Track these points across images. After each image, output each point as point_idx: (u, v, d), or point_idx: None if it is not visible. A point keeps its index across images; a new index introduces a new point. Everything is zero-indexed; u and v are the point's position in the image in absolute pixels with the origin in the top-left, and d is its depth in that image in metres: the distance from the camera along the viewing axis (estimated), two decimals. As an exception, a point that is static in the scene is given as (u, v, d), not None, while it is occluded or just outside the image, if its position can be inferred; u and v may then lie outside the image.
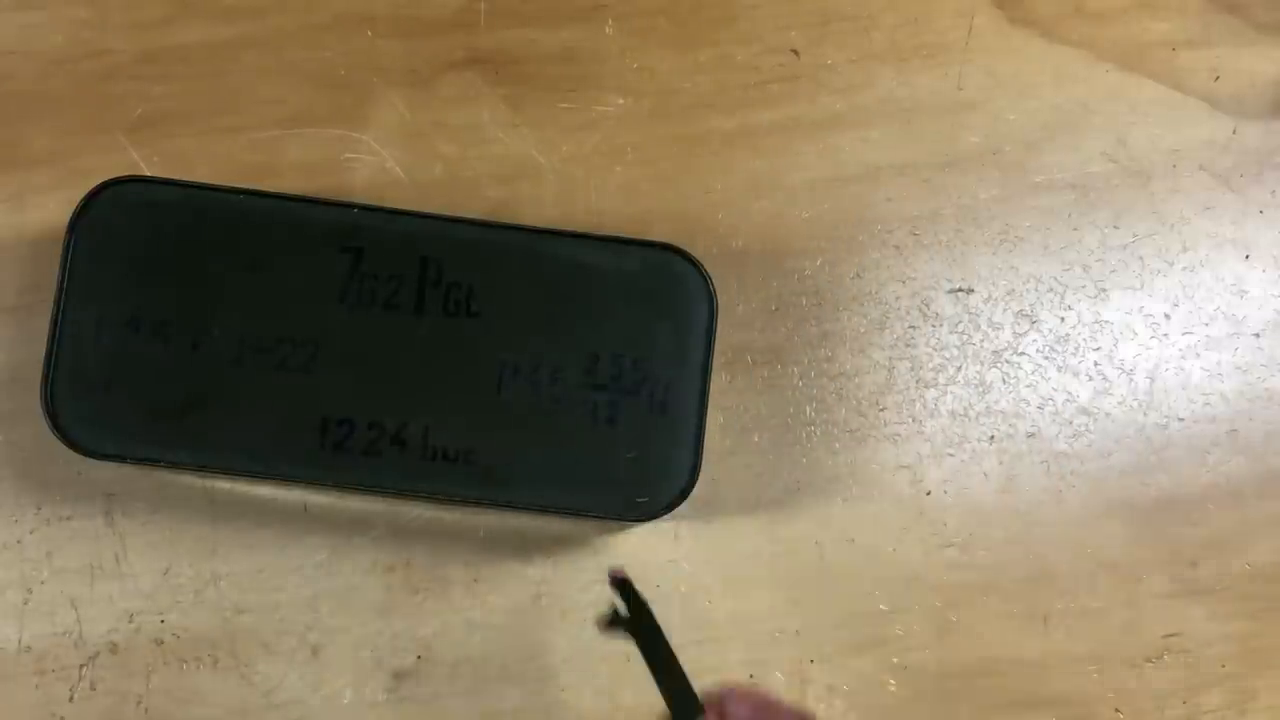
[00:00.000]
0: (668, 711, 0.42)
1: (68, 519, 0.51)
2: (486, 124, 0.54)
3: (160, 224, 0.49)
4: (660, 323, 0.49)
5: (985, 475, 0.53)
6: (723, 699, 0.42)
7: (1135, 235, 0.55)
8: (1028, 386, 0.54)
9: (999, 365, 0.54)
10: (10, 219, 0.53)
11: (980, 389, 0.54)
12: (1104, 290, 0.55)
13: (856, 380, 0.54)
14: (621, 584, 0.46)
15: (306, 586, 0.52)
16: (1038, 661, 0.53)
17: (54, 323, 0.48)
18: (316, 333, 0.48)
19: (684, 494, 0.49)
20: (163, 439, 0.48)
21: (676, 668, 0.43)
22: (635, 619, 0.45)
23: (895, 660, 0.52)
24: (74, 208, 0.48)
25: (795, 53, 0.55)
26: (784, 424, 0.53)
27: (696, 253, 0.50)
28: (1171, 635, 0.53)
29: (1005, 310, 0.54)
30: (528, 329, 0.49)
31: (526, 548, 0.52)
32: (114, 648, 0.51)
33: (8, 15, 0.54)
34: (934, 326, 0.54)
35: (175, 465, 0.49)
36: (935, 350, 0.54)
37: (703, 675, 0.51)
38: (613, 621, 0.45)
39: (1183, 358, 0.55)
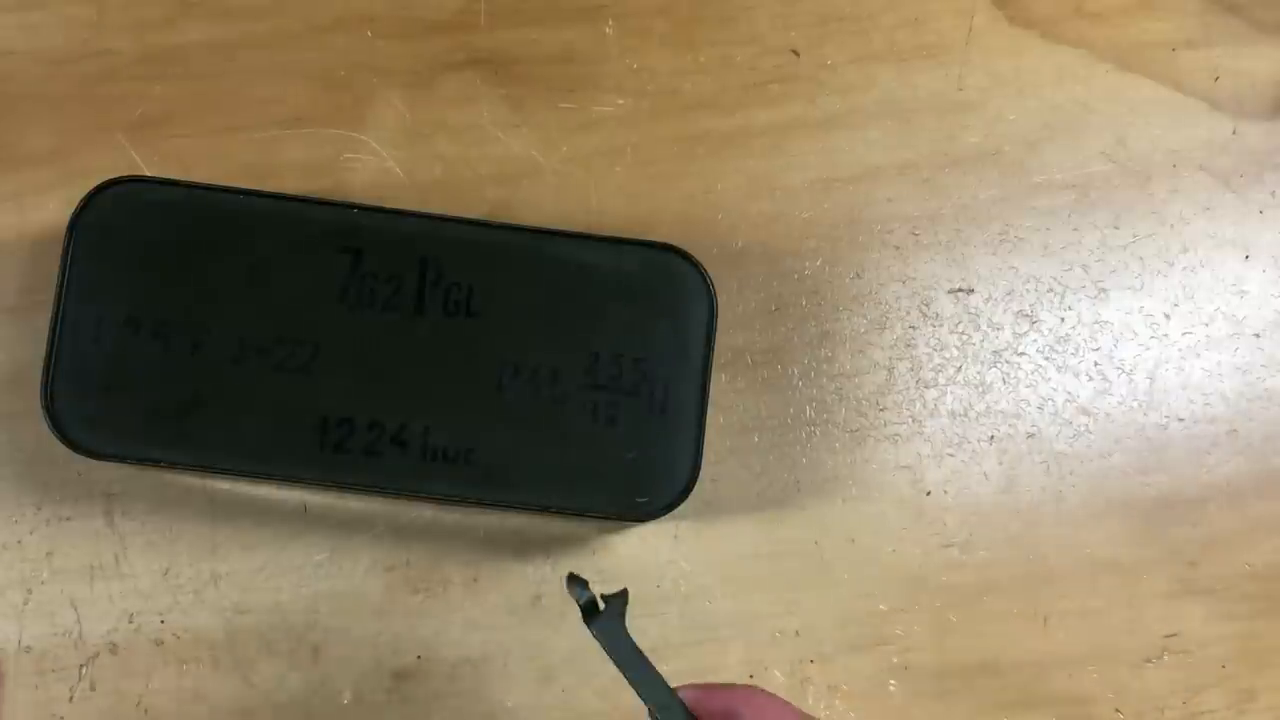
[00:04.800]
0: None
1: (68, 519, 0.51)
2: (486, 124, 0.54)
3: (160, 224, 0.49)
4: (660, 323, 0.49)
5: (985, 475, 0.53)
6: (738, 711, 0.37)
7: (1135, 235, 0.55)
8: (1028, 386, 0.54)
9: (999, 365, 0.54)
10: (10, 219, 0.53)
11: (980, 389, 0.54)
12: (1104, 290, 0.55)
13: (856, 380, 0.54)
14: (575, 581, 0.40)
15: (306, 586, 0.52)
16: (1038, 661, 0.53)
17: (54, 323, 0.48)
18: (316, 333, 0.48)
19: (684, 494, 0.49)
20: (163, 439, 0.48)
21: (647, 668, 0.38)
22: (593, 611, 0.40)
23: (895, 660, 0.52)
24: (74, 208, 0.48)
25: (795, 53, 0.55)
26: (784, 424, 0.53)
27: (696, 253, 0.50)
28: (1171, 635, 0.53)
29: (1005, 310, 0.54)
30: (528, 329, 0.49)
31: (526, 548, 0.52)
32: (114, 648, 0.51)
33: (8, 15, 0.54)
34: (934, 326, 0.54)
35: (175, 465, 0.49)
36: (935, 350, 0.54)
37: (703, 675, 0.51)
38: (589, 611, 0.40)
39: (1183, 358, 0.55)
